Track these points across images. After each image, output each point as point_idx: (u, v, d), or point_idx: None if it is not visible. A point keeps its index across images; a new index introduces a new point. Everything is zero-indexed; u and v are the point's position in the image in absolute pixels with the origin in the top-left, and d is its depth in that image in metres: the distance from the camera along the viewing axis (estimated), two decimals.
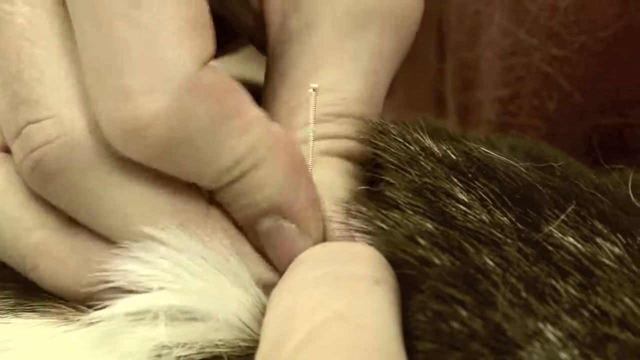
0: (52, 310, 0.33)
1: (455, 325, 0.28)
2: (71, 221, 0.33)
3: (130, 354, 0.30)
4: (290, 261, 0.32)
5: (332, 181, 0.34)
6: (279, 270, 0.32)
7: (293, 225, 0.32)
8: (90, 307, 0.31)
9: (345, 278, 0.29)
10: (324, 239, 0.33)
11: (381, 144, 0.34)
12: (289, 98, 0.36)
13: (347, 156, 0.35)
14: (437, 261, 0.29)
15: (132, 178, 0.32)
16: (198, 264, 0.32)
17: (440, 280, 0.29)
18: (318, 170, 0.34)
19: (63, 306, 0.33)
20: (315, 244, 0.32)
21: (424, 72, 0.57)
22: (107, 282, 0.31)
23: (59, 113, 0.32)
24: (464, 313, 0.28)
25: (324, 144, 0.35)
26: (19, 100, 0.32)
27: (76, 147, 0.32)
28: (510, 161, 0.33)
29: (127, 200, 0.32)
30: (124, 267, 0.31)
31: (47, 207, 0.33)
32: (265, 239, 0.33)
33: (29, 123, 0.32)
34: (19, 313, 0.33)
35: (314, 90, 0.35)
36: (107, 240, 0.33)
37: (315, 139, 0.35)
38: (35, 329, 0.32)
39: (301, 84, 0.35)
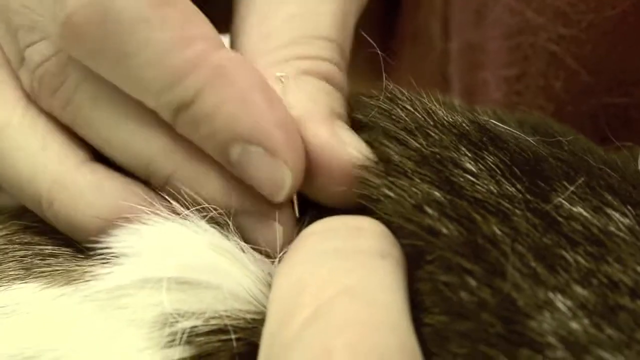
0: (58, 270, 0.32)
1: (465, 295, 0.27)
2: (90, 160, 0.35)
3: (133, 321, 0.30)
4: (269, 187, 0.32)
5: (315, 98, 0.34)
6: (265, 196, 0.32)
7: (260, 149, 0.31)
8: (96, 265, 0.31)
9: (351, 253, 0.29)
10: (310, 156, 0.32)
11: (389, 110, 0.34)
12: (259, 23, 0.35)
13: (328, 79, 0.35)
14: (445, 231, 0.29)
15: (117, 94, 0.33)
16: (203, 238, 0.32)
17: (448, 250, 0.28)
18: (298, 87, 0.34)
19: (69, 265, 0.32)
20: (292, 166, 0.31)
21: (428, 53, 0.57)
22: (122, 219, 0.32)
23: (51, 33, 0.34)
24: (473, 283, 0.27)
25: (305, 64, 0.34)
26: (15, 28, 0.34)
27: (70, 62, 0.34)
28: (520, 134, 0.33)
29: (111, 115, 0.34)
30: (127, 239, 0.31)
31: (67, 146, 0.35)
32: (237, 170, 0.32)
33: (27, 47, 0.34)
34: (25, 278, 0.33)
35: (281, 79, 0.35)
36: (126, 175, 0.34)
37: (294, 59, 0.34)
38: (40, 293, 0.32)
39: (271, 10, 0.35)
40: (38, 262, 0.33)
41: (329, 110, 0.34)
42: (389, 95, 0.35)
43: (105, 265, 0.31)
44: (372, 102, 0.35)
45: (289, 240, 0.33)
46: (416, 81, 0.39)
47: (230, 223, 0.32)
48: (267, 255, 0.32)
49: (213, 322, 0.29)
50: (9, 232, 0.35)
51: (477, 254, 0.28)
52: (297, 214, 0.33)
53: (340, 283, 0.27)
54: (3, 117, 0.35)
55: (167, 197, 0.33)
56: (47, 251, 0.34)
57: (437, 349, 0.27)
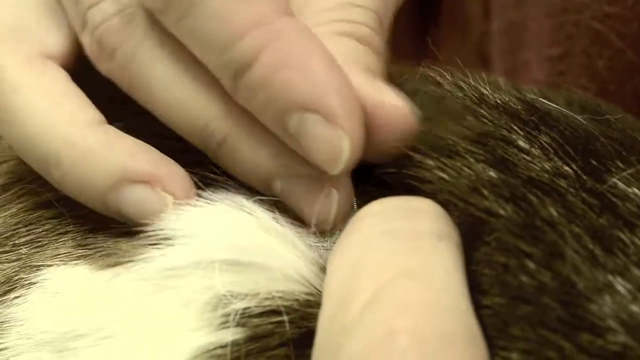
0: (105, 252, 0.32)
1: (524, 278, 0.27)
2: (104, 122, 0.34)
3: (186, 302, 0.30)
4: (326, 158, 0.31)
5: (351, 55, 0.33)
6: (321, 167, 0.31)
7: (318, 117, 0.30)
8: (147, 245, 0.31)
9: (409, 235, 0.28)
10: (366, 117, 0.31)
11: (435, 91, 0.33)
12: None
13: (368, 43, 0.34)
14: (502, 212, 0.28)
15: (178, 54, 0.33)
16: (252, 218, 0.31)
17: (506, 231, 0.28)
18: (333, 46, 0.32)
19: (116, 247, 0.32)
20: (351, 134, 0.30)
21: (469, 33, 0.57)
22: (131, 179, 0.32)
23: None
24: (532, 266, 0.27)
25: (342, 26, 0.34)
26: None
27: (132, 20, 0.34)
28: (570, 113, 0.33)
29: (171, 74, 0.33)
30: (177, 221, 0.31)
31: (81, 107, 0.34)
32: (294, 141, 0.31)
33: (90, 7, 0.34)
34: (72, 260, 0.33)
35: None
36: (138, 138, 0.34)
37: (331, 22, 0.34)
38: (93, 273, 0.32)
39: None
40: (90, 240, 0.33)
41: (365, 66, 0.33)
42: (434, 76, 0.35)
43: (156, 246, 0.31)
44: (417, 84, 0.34)
45: (344, 213, 0.32)
46: (456, 62, 0.38)
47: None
48: (317, 234, 0.32)
49: (266, 303, 0.29)
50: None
51: (535, 236, 0.27)
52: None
53: (399, 265, 0.27)
54: (19, 77, 0.35)
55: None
56: (98, 230, 0.33)
57: (497, 332, 0.27)
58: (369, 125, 0.31)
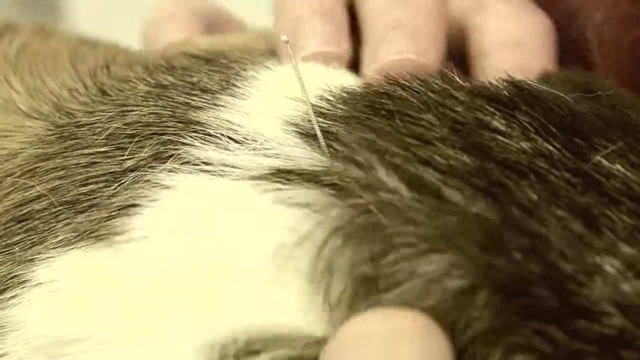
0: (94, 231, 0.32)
1: (511, 270, 0.26)
2: None
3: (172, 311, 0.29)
4: None
5: None
6: None
7: None
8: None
9: None
10: None
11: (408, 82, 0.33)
12: None
13: None
14: (474, 210, 0.27)
15: None
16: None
17: (483, 230, 0.27)
18: None
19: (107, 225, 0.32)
20: None
21: None
22: None
23: None
24: (517, 256, 0.26)
25: None
26: None
27: None
28: (558, 92, 0.32)
29: None
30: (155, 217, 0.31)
31: None
32: None
33: None
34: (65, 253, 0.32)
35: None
36: None
37: None
38: (80, 261, 0.31)
39: None
40: (79, 224, 0.32)
41: None
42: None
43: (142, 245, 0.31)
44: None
45: None
46: None
47: None
48: None
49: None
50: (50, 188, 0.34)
51: (516, 226, 0.27)
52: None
53: None
54: None
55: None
56: (85, 213, 0.33)
57: None
58: None
